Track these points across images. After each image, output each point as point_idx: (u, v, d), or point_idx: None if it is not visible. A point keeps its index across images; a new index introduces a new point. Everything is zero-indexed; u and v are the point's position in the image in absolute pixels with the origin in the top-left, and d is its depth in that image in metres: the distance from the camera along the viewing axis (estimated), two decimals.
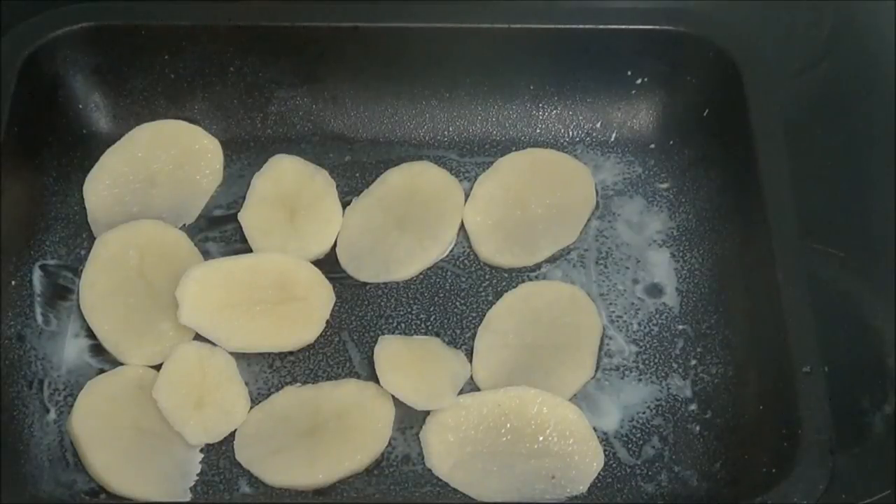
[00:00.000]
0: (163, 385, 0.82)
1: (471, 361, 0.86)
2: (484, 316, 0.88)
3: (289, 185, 0.92)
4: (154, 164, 0.93)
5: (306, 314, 0.86)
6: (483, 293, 0.90)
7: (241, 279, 0.86)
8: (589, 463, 0.81)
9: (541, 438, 0.81)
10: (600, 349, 0.87)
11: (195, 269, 0.85)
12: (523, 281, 0.90)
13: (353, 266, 0.90)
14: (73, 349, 0.86)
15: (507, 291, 0.89)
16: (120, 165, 0.93)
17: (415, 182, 0.93)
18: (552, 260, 0.91)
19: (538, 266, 0.91)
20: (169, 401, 0.82)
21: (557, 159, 0.95)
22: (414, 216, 0.92)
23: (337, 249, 0.91)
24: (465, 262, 0.92)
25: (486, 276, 0.91)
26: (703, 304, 0.89)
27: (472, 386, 0.85)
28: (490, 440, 0.82)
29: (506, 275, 0.91)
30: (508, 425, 0.82)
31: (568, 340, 0.86)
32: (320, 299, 0.87)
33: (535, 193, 0.93)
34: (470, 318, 0.89)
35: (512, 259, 0.90)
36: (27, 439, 0.81)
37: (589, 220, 0.93)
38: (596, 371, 0.86)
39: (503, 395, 0.83)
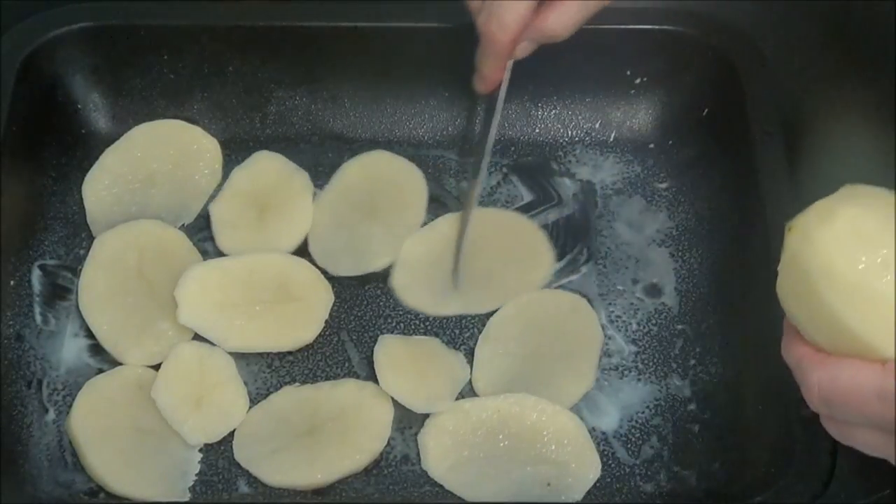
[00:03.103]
0: (162, 385, 0.82)
1: (471, 367, 0.86)
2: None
3: (265, 183, 0.92)
4: (153, 163, 0.93)
5: (305, 314, 0.86)
6: None
7: (240, 279, 0.86)
8: (585, 472, 0.81)
9: (538, 446, 0.81)
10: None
11: (194, 269, 0.85)
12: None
13: (329, 262, 0.90)
14: (71, 349, 0.86)
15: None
16: (118, 165, 0.93)
17: (373, 172, 0.93)
18: None
19: None
20: (168, 400, 0.82)
21: (528, 230, 0.92)
22: (379, 205, 0.92)
23: (310, 248, 0.90)
24: None
25: None
26: (702, 304, 0.89)
27: (472, 394, 0.85)
28: (487, 445, 0.82)
29: None
30: (507, 431, 0.82)
31: (569, 350, 0.86)
32: (319, 299, 0.87)
33: (486, 251, 0.90)
34: (469, 319, 0.88)
35: (416, 299, 0.88)
36: (26, 439, 0.81)
37: (590, 223, 0.93)
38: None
39: (503, 402, 0.82)
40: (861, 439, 0.58)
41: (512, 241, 0.91)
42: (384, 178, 0.93)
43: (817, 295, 0.57)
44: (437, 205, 0.94)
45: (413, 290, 0.88)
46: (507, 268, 0.89)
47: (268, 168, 0.93)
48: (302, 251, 0.90)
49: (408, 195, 0.93)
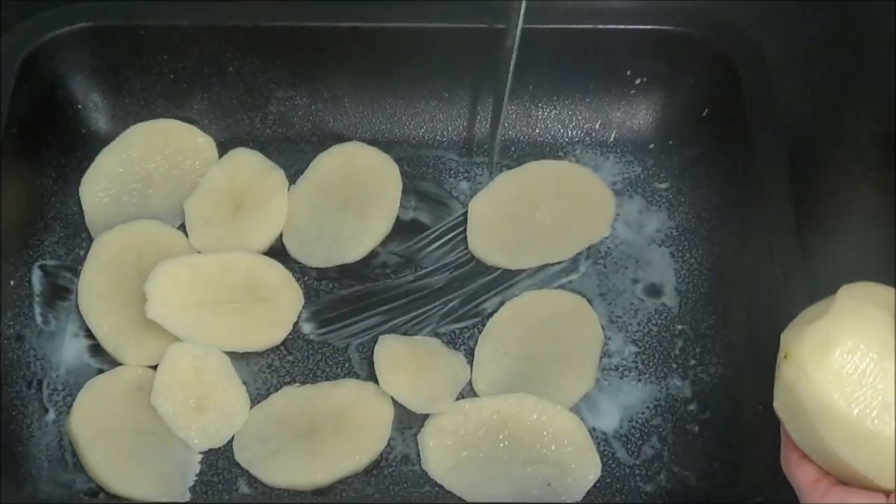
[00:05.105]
0: (160, 391, 0.82)
1: (471, 367, 0.86)
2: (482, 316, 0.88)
3: (241, 180, 0.92)
4: (149, 163, 0.93)
5: (273, 316, 0.86)
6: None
7: (210, 277, 0.85)
8: (585, 473, 0.81)
9: (538, 446, 0.81)
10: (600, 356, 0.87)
11: (165, 264, 0.84)
12: (520, 279, 0.90)
13: (303, 254, 0.90)
14: (72, 349, 0.86)
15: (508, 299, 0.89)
16: (115, 166, 0.93)
17: (349, 163, 0.93)
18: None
19: (536, 272, 0.91)
20: (168, 408, 0.82)
21: (586, 179, 0.94)
22: (354, 197, 0.91)
23: (283, 239, 0.90)
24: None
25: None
26: (702, 304, 0.89)
27: (472, 394, 0.85)
28: (488, 445, 0.81)
29: (505, 275, 0.91)
30: (507, 431, 0.82)
31: (569, 350, 0.86)
32: (288, 301, 0.87)
33: (550, 203, 0.92)
34: (469, 319, 0.88)
35: (496, 257, 0.90)
36: (26, 439, 0.81)
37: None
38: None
39: (503, 402, 0.82)
40: None
41: (571, 191, 0.93)
42: (358, 169, 0.93)
43: (814, 429, 0.57)
44: (438, 205, 0.94)
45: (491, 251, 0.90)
46: (574, 216, 0.91)
47: (245, 165, 0.92)
48: (276, 248, 0.90)
49: (382, 186, 0.92)
